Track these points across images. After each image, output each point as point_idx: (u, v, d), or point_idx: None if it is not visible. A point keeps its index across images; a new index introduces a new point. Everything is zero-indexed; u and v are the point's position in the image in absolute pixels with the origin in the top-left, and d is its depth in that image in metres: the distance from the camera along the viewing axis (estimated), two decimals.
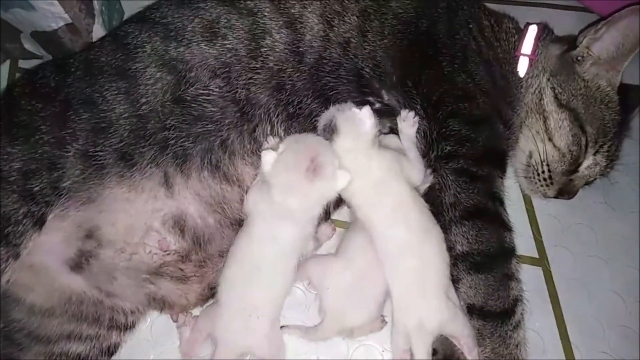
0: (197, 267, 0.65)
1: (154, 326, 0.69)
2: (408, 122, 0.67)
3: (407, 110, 0.67)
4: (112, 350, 0.66)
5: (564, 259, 0.74)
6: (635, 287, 0.73)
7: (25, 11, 0.69)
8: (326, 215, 0.71)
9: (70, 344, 0.63)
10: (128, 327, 0.67)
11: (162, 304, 0.65)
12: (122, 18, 0.83)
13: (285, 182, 0.59)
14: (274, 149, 0.61)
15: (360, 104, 0.64)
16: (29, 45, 0.82)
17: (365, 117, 0.63)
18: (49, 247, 0.61)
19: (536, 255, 0.74)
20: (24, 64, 0.85)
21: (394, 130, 0.69)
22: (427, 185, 0.67)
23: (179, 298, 0.65)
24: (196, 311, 0.67)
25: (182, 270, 0.65)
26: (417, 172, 0.66)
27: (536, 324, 0.69)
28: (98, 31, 0.76)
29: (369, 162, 0.63)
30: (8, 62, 0.86)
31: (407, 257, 0.62)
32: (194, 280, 0.65)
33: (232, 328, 0.61)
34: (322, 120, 0.65)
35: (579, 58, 0.70)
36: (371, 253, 0.64)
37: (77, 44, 0.76)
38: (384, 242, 0.63)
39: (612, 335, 0.70)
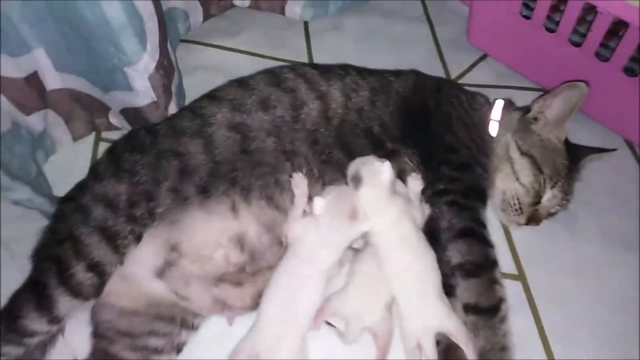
0: (251, 276, 0.83)
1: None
2: (416, 182, 0.89)
3: (415, 173, 0.89)
4: (180, 347, 0.82)
5: (538, 275, 0.93)
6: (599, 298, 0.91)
7: (125, 92, 0.93)
8: None
9: (150, 338, 0.79)
10: (194, 328, 0.83)
11: (223, 305, 0.82)
12: (184, 99, 1.08)
13: (333, 223, 0.80)
14: (324, 197, 0.82)
15: (373, 153, 0.88)
16: (114, 120, 1.06)
17: (385, 169, 0.83)
18: (141, 257, 0.80)
19: (516, 272, 0.94)
20: (106, 134, 1.09)
21: (399, 173, 0.90)
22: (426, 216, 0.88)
23: (237, 300, 0.82)
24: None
25: (239, 278, 0.83)
26: (421, 215, 0.87)
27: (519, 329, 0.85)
28: (172, 108, 1.01)
29: (387, 206, 0.83)
30: (93, 133, 1.09)
31: (409, 272, 0.81)
32: (248, 286, 0.83)
33: (270, 336, 0.76)
34: (350, 171, 0.84)
35: (534, 119, 0.94)
36: (373, 268, 0.83)
37: (154, 117, 0.99)
38: (392, 262, 0.82)
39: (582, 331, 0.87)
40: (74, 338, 0.83)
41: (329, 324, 0.84)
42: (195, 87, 1.04)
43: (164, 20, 0.93)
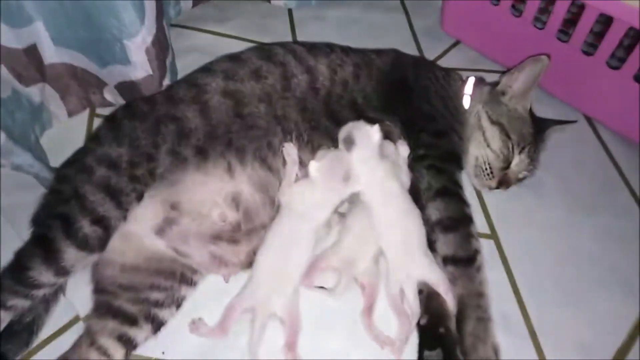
0: (246, 234, 0.89)
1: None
2: (403, 147, 0.96)
3: (402, 140, 0.96)
4: (179, 301, 0.86)
5: (509, 234, 1.02)
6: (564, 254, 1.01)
7: (123, 66, 0.98)
8: None
9: (152, 292, 0.84)
10: (192, 284, 0.88)
11: (220, 262, 0.87)
12: (176, 77, 1.13)
13: (327, 185, 0.87)
14: (317, 160, 0.88)
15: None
16: (108, 96, 1.10)
17: (374, 132, 0.90)
18: (143, 216, 0.84)
19: (489, 232, 1.02)
20: (100, 111, 1.13)
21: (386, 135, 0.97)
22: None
23: (232, 257, 0.87)
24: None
25: (234, 236, 0.88)
26: (407, 178, 0.94)
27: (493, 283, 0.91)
28: (166, 83, 1.06)
29: (376, 166, 0.90)
30: (87, 109, 1.13)
31: (396, 228, 0.87)
32: (243, 244, 0.88)
33: (264, 290, 0.82)
34: (342, 133, 0.91)
35: (502, 92, 1.04)
36: (364, 223, 0.90)
37: (149, 91, 1.03)
38: (380, 219, 0.88)
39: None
40: (75, 296, 0.87)
41: (319, 287, 0.90)
42: (186, 68, 1.08)
43: None
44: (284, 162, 0.91)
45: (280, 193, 0.90)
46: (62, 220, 0.79)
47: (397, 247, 0.87)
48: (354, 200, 0.94)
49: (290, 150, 0.91)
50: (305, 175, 0.90)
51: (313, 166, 0.88)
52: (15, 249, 0.81)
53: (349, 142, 0.90)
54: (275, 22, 1.38)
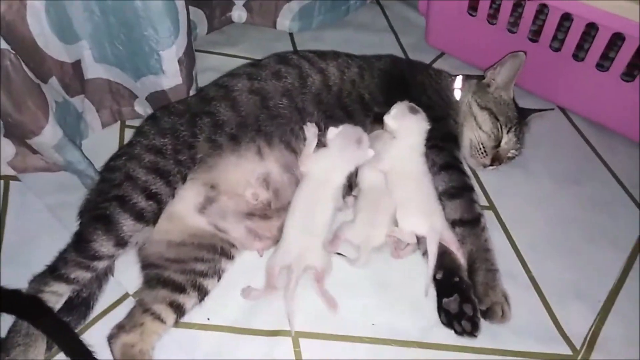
0: (276, 211, 1.00)
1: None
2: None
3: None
4: (220, 273, 0.96)
5: (505, 205, 1.15)
6: (553, 218, 1.14)
7: (155, 76, 1.11)
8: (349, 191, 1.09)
9: (196, 264, 0.93)
10: (231, 257, 0.98)
11: (254, 236, 0.98)
12: (198, 86, 1.26)
13: (343, 146, 0.99)
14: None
15: (365, 115, 1.09)
16: (138, 108, 1.22)
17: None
18: (186, 196, 0.96)
19: (487, 204, 1.15)
20: (130, 122, 1.25)
21: None
22: None
23: (265, 231, 0.98)
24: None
25: (266, 213, 0.99)
26: None
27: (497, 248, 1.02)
28: (191, 92, 1.19)
29: (420, 135, 1.04)
30: (119, 121, 1.25)
31: (421, 184, 1.00)
32: (274, 219, 0.99)
33: (296, 248, 0.92)
34: (407, 104, 1.06)
35: (487, 84, 1.20)
36: (376, 196, 1.02)
37: (176, 100, 1.15)
38: (405, 174, 1.01)
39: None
40: (122, 277, 0.96)
41: (339, 254, 1.01)
42: (203, 85, 1.23)
43: (189, 15, 1.13)
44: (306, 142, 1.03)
45: (299, 162, 1.01)
46: (117, 200, 0.89)
47: (422, 201, 0.99)
48: (364, 185, 1.06)
49: (311, 128, 1.03)
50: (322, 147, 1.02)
51: (331, 131, 1.01)
52: (61, 241, 0.91)
53: (415, 110, 1.06)
54: (279, 44, 1.54)
